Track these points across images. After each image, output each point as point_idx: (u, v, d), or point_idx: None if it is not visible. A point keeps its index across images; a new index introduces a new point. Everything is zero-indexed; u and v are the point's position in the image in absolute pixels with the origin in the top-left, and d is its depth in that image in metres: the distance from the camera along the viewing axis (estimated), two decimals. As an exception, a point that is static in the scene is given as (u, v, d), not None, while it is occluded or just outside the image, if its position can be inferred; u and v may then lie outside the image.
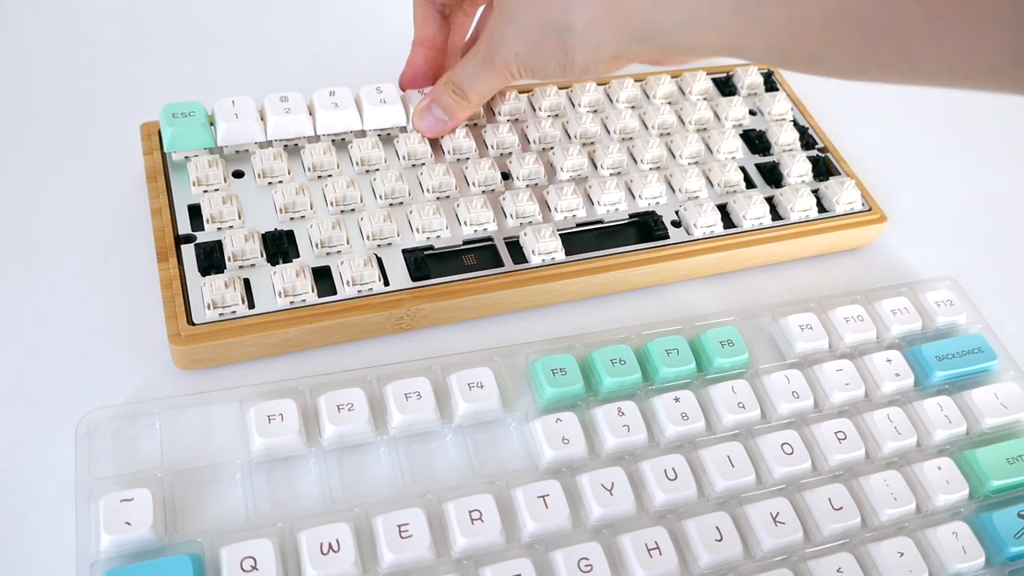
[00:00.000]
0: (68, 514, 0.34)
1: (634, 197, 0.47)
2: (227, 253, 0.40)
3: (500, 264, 0.43)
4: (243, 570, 0.32)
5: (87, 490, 0.34)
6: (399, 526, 0.34)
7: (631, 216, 0.46)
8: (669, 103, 0.52)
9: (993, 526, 0.39)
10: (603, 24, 0.36)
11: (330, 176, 0.44)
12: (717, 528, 0.36)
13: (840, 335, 0.44)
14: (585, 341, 0.42)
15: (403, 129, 0.47)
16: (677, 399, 0.40)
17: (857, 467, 0.40)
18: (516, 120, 0.49)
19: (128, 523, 0.32)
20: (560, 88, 0.50)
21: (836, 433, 0.40)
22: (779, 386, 0.41)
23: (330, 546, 0.33)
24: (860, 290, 0.47)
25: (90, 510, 0.33)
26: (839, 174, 0.51)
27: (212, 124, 0.44)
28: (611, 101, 0.51)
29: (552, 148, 0.48)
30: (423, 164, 0.46)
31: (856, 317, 0.45)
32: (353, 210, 0.43)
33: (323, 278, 0.41)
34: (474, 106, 0.45)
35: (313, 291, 0.40)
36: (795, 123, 0.53)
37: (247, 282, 0.40)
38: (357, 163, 0.45)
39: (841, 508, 0.38)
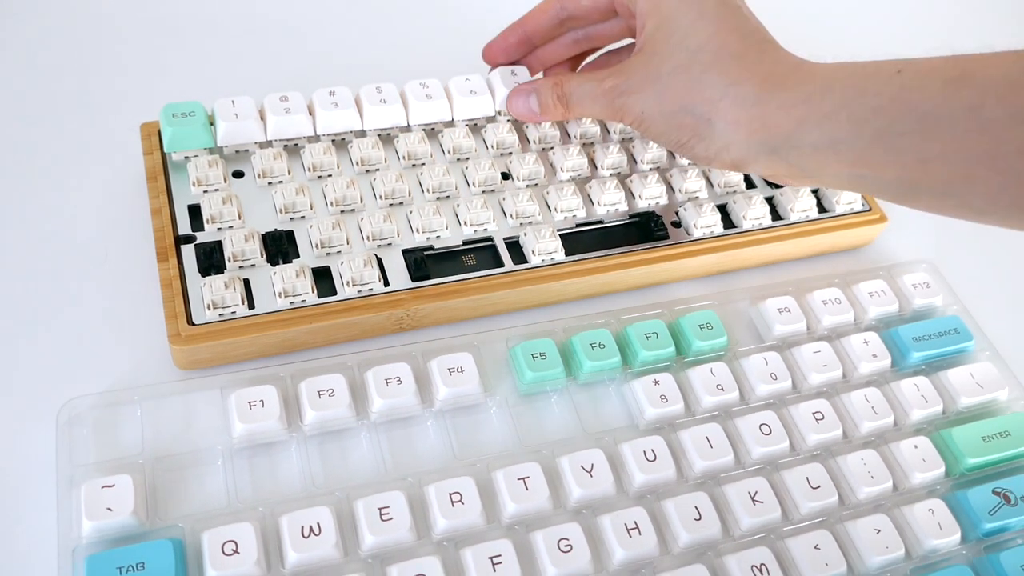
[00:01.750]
0: (50, 501, 0.34)
1: (634, 197, 0.47)
2: (227, 253, 0.40)
3: (500, 264, 0.43)
4: (224, 554, 0.32)
5: (68, 477, 0.34)
6: (380, 509, 0.34)
7: (631, 216, 0.47)
8: None
9: (968, 503, 0.39)
10: (742, 129, 0.37)
11: (330, 176, 0.44)
12: (696, 508, 0.37)
13: (818, 318, 0.45)
14: (565, 326, 0.42)
15: (404, 129, 0.47)
16: (656, 381, 0.40)
17: (835, 447, 0.40)
18: (516, 120, 0.49)
19: (109, 509, 0.33)
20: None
21: (814, 414, 0.41)
22: (757, 368, 0.42)
23: (311, 529, 0.33)
24: (838, 273, 0.47)
25: (71, 496, 0.33)
26: None
27: (212, 124, 0.44)
28: None
29: (552, 148, 0.48)
30: (423, 164, 0.46)
31: (834, 300, 0.45)
32: (353, 210, 0.43)
33: (323, 278, 0.41)
34: (570, 117, 0.45)
35: (313, 291, 0.40)
36: None
37: (247, 282, 0.40)
38: (357, 163, 0.45)
39: (819, 487, 0.38)
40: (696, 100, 0.38)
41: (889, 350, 0.44)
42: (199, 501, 0.35)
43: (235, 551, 0.32)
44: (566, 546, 0.35)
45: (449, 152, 0.46)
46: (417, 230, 0.43)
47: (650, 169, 0.48)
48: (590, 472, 0.37)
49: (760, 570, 0.36)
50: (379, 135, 0.46)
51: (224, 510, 0.34)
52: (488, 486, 0.36)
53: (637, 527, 0.36)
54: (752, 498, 0.38)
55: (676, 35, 0.38)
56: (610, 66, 0.43)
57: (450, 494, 0.35)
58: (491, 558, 0.34)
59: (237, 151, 0.44)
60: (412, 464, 0.37)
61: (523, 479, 0.36)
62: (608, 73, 0.41)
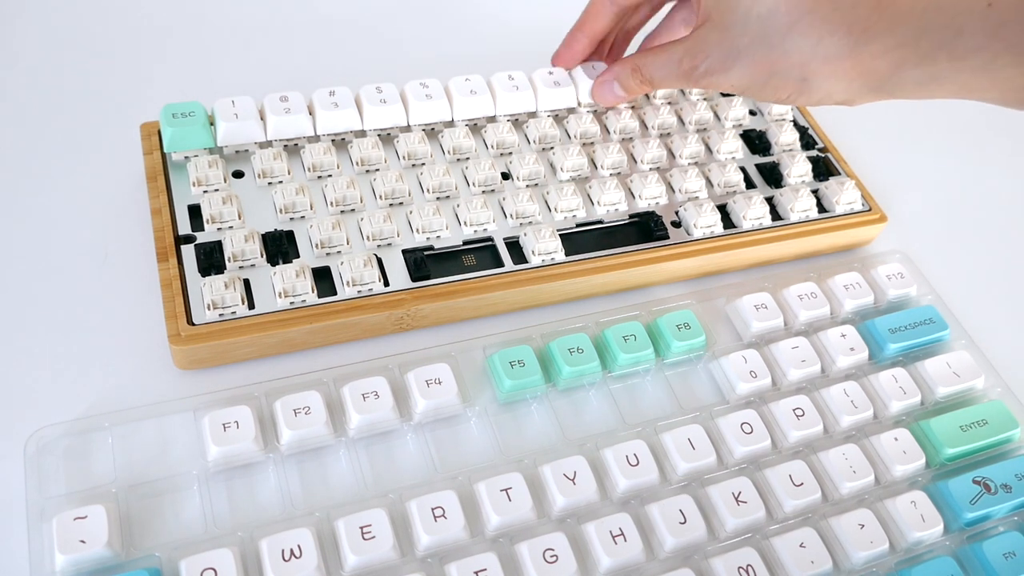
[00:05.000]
0: (20, 535, 0.33)
1: (634, 197, 0.47)
2: (227, 253, 0.40)
3: (500, 264, 0.43)
4: (204, 582, 0.32)
5: (39, 510, 0.33)
6: (361, 528, 0.34)
7: (631, 216, 0.46)
8: (669, 103, 0.52)
9: (950, 493, 0.39)
10: (841, 79, 0.37)
11: (330, 176, 0.44)
12: (681, 511, 0.37)
13: (795, 313, 0.45)
14: (543, 331, 0.41)
15: (404, 128, 0.46)
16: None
17: (816, 443, 0.40)
18: (516, 120, 0.49)
19: (83, 541, 0.32)
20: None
21: (794, 410, 0.41)
22: (736, 366, 0.42)
23: (292, 552, 0.33)
24: (813, 267, 0.47)
25: (43, 530, 0.32)
26: (839, 174, 0.51)
27: (212, 124, 0.43)
28: None
29: (552, 148, 0.48)
30: (423, 164, 0.45)
31: (809, 294, 0.45)
32: (353, 210, 0.43)
33: (323, 278, 0.41)
34: (655, 90, 0.46)
35: (313, 291, 0.39)
36: (795, 123, 0.53)
37: (247, 282, 0.40)
38: (357, 163, 0.44)
39: (802, 484, 0.38)
40: (786, 65, 0.38)
41: (866, 343, 0.44)
42: (176, 528, 0.34)
43: (214, 578, 0.32)
44: (551, 556, 0.34)
45: (449, 152, 0.46)
46: (417, 230, 0.43)
47: (650, 169, 0.48)
48: (573, 480, 0.37)
49: (747, 571, 0.36)
50: (379, 135, 0.46)
51: (202, 536, 0.34)
52: (470, 499, 0.36)
53: (622, 533, 0.36)
54: (736, 498, 0.37)
55: (741, 4, 0.38)
56: (677, 34, 0.44)
57: (432, 509, 0.35)
58: (476, 572, 0.34)
59: (237, 151, 0.44)
60: (393, 480, 0.37)
61: (506, 490, 0.36)
62: (682, 51, 0.41)
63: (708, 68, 0.40)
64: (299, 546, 0.33)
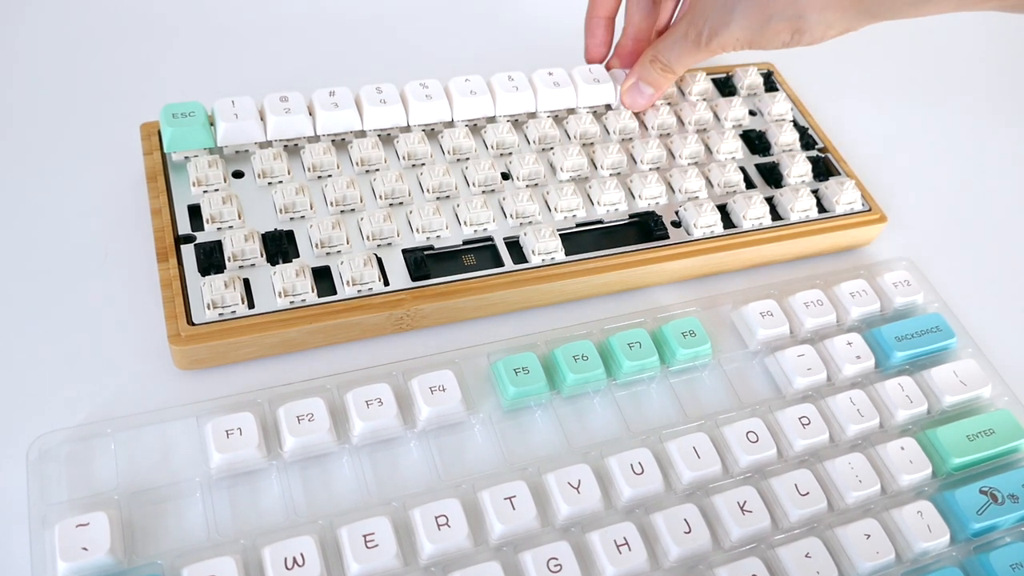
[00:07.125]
0: (22, 542, 0.33)
1: (634, 197, 0.47)
2: (227, 253, 0.40)
3: (500, 264, 0.43)
4: (206, 590, 0.32)
5: (41, 516, 0.33)
6: (364, 536, 0.34)
7: (631, 216, 0.46)
8: (668, 103, 0.51)
9: (956, 503, 0.39)
10: (835, 8, 0.39)
11: (330, 176, 0.44)
12: (685, 520, 0.36)
13: (800, 320, 0.44)
14: (547, 339, 0.41)
15: (404, 129, 0.46)
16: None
17: (822, 451, 0.40)
18: (516, 120, 0.49)
19: (85, 548, 0.32)
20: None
21: (800, 419, 0.40)
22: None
23: (295, 560, 0.33)
24: (817, 271, 0.47)
25: (44, 537, 0.32)
26: (839, 174, 0.51)
27: (212, 124, 0.44)
28: None
29: (552, 148, 0.48)
30: (423, 164, 0.45)
31: (816, 302, 0.45)
32: (353, 210, 0.43)
33: (323, 278, 0.41)
34: (679, 76, 0.48)
35: (313, 291, 0.39)
36: (795, 123, 0.53)
37: (247, 282, 0.40)
38: (357, 163, 0.45)
39: (807, 493, 0.38)
40: (778, 7, 0.40)
41: (872, 351, 0.44)
42: (178, 536, 0.34)
43: (217, 587, 0.32)
44: (555, 565, 0.34)
45: (449, 152, 0.46)
46: (417, 230, 0.42)
47: (650, 169, 0.48)
48: (577, 488, 0.36)
49: (752, 581, 0.35)
50: (379, 135, 0.46)
51: (204, 544, 0.33)
52: (474, 507, 0.36)
53: (627, 542, 0.35)
54: (741, 508, 0.37)
55: None
56: (682, 15, 0.45)
57: (436, 517, 0.35)
58: (480, 582, 0.33)
59: (237, 151, 0.44)
60: (396, 487, 0.36)
61: (510, 498, 0.36)
62: (686, 24, 0.43)
63: (711, 29, 0.42)
64: (302, 554, 0.33)
